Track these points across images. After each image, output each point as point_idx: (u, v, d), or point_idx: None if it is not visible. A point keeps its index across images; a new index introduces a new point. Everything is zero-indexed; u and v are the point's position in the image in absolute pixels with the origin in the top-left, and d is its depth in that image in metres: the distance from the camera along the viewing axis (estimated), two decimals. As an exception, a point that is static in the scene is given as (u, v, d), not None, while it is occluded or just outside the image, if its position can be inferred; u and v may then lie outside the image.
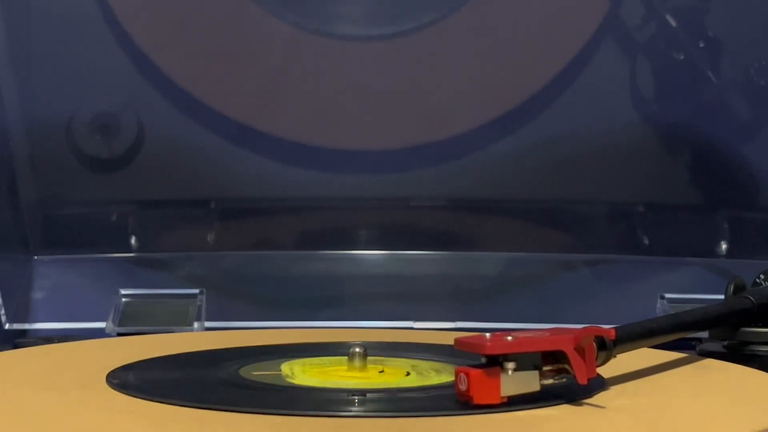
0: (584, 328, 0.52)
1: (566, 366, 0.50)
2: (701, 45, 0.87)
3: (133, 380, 0.55)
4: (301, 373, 0.57)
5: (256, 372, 0.57)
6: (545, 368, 0.50)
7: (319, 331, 0.74)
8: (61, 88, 0.87)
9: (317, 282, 0.89)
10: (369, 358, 0.57)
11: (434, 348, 0.64)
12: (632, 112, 0.89)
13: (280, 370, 0.57)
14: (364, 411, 0.50)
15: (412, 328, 0.82)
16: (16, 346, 0.76)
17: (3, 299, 0.81)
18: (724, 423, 0.49)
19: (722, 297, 0.65)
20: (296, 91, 0.88)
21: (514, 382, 0.49)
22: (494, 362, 0.49)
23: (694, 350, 0.66)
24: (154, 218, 0.89)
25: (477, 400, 0.48)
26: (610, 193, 0.90)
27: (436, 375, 0.57)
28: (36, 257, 0.87)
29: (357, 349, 0.57)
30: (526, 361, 0.49)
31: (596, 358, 0.52)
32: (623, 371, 0.56)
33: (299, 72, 0.88)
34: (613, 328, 0.54)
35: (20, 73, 0.86)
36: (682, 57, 0.88)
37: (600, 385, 0.53)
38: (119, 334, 0.79)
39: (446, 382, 0.54)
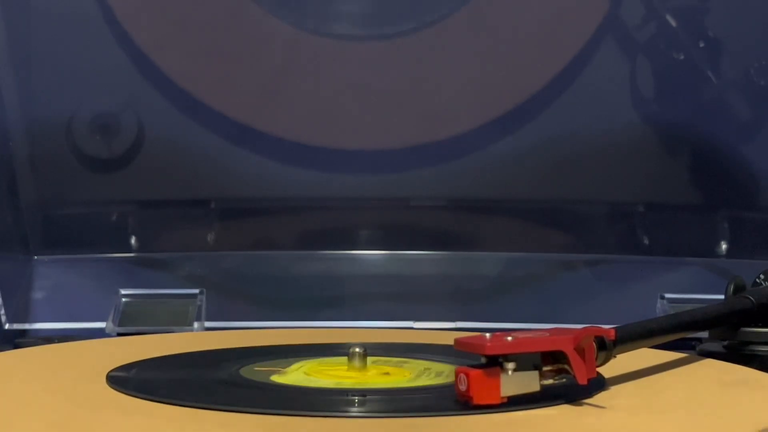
0: (584, 328, 0.52)
1: (566, 366, 0.50)
2: (701, 45, 0.87)
3: (133, 380, 0.55)
4: (301, 373, 0.57)
5: (256, 372, 0.57)
6: (545, 368, 0.50)
7: (319, 331, 0.74)
8: (61, 88, 0.87)
9: (317, 282, 0.89)
10: (369, 358, 0.57)
11: (434, 348, 0.64)
12: (632, 112, 0.89)
13: (280, 371, 0.57)
14: (364, 411, 0.50)
15: (412, 328, 0.82)
16: (16, 346, 0.76)
17: (3, 299, 0.81)
18: (724, 423, 0.49)
19: (722, 297, 0.65)
20: (296, 91, 0.88)
21: (514, 382, 0.49)
22: (494, 362, 0.49)
23: (694, 350, 0.66)
24: (154, 218, 0.89)
25: (477, 401, 0.48)
26: (610, 193, 0.90)
27: (436, 375, 0.57)
28: (36, 257, 0.87)
29: (357, 349, 0.57)
30: (526, 362, 0.49)
31: (596, 359, 0.52)
32: (623, 371, 0.56)
33: (299, 72, 0.88)
34: (613, 328, 0.54)
35: (20, 73, 0.86)
36: (682, 57, 0.88)
37: (600, 384, 0.53)
38: (119, 334, 0.79)
39: (446, 383, 0.54)
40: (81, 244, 0.88)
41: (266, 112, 0.88)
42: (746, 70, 0.87)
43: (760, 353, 0.63)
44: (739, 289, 0.65)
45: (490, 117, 0.88)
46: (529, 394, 0.49)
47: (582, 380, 0.50)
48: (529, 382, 0.50)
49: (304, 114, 0.88)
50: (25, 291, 0.85)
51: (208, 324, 0.81)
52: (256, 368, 0.58)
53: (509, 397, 0.49)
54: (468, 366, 0.49)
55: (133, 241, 0.89)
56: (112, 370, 0.57)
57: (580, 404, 0.50)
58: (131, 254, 0.89)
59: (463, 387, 0.49)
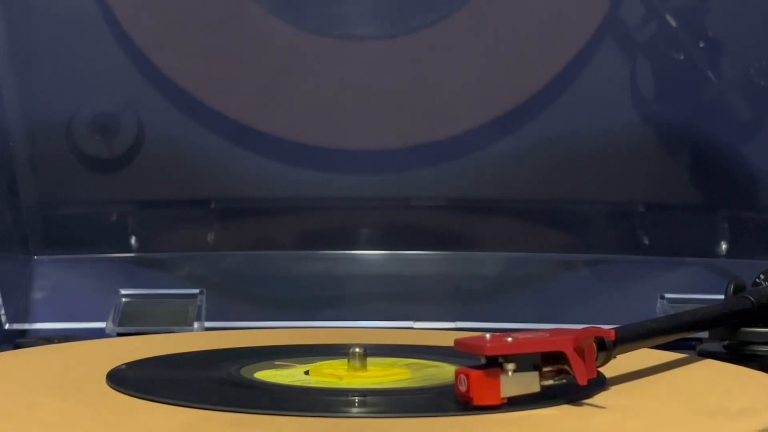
0: (584, 329, 0.52)
1: (566, 367, 0.50)
2: (701, 45, 0.87)
3: (132, 380, 0.55)
4: (301, 373, 0.57)
5: (256, 372, 0.57)
6: (545, 369, 0.50)
7: (319, 331, 0.74)
8: (61, 88, 0.87)
9: (317, 282, 0.89)
10: (369, 358, 0.57)
11: (434, 348, 0.64)
12: (632, 112, 0.89)
13: (280, 371, 0.57)
14: (364, 412, 0.50)
15: (412, 328, 0.82)
16: (16, 346, 0.76)
17: (3, 299, 0.81)
18: (724, 423, 0.49)
19: (722, 297, 0.65)
20: (296, 91, 0.88)
21: (514, 382, 0.49)
22: (494, 363, 0.49)
23: (694, 350, 0.66)
24: (154, 218, 0.89)
25: (477, 401, 0.48)
26: (610, 193, 0.90)
27: (437, 376, 0.57)
28: (36, 257, 0.87)
29: (357, 350, 0.57)
30: (526, 362, 0.49)
31: (596, 359, 0.52)
32: (623, 371, 0.56)
33: (299, 72, 0.88)
34: (613, 328, 0.54)
35: (20, 73, 0.86)
36: (682, 57, 0.88)
37: (600, 384, 0.53)
38: (119, 334, 0.79)
39: (446, 383, 0.54)
40: (81, 244, 0.88)
41: (266, 112, 0.88)
42: (746, 70, 0.87)
43: (760, 353, 0.63)
44: (739, 289, 0.65)
45: (490, 117, 0.88)
46: (530, 394, 0.49)
47: (582, 381, 0.50)
48: (530, 382, 0.50)
49: (304, 114, 0.88)
50: (25, 291, 0.85)
51: (208, 324, 0.81)
52: (256, 368, 0.58)
53: (509, 398, 0.49)
54: (468, 367, 0.49)
55: (133, 241, 0.89)
56: (112, 370, 0.57)
57: (580, 404, 0.50)
58: (131, 254, 0.89)
59: (463, 388, 0.49)
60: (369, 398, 0.52)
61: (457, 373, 0.49)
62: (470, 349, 0.49)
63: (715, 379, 0.58)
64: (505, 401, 0.49)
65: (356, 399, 0.51)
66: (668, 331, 0.58)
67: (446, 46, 0.88)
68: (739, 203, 0.90)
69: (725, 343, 0.65)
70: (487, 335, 0.50)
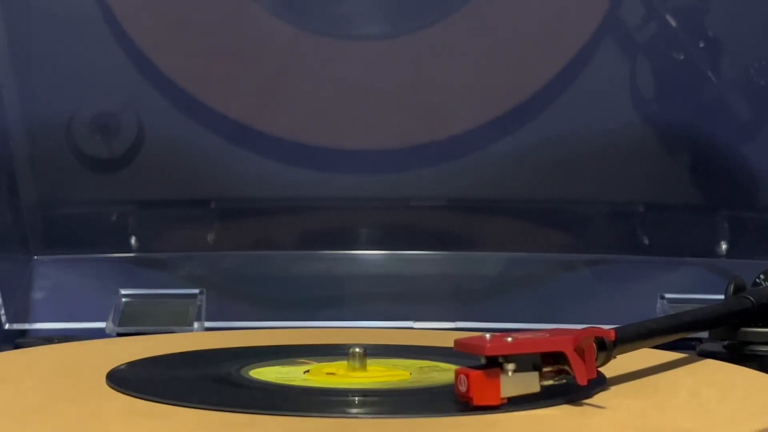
0: (584, 329, 0.52)
1: (566, 367, 0.50)
2: (701, 45, 0.87)
3: (132, 380, 0.55)
4: (301, 373, 0.57)
5: (256, 372, 0.57)
6: (545, 369, 0.50)
7: (319, 331, 0.74)
8: (61, 88, 0.87)
9: (317, 282, 0.89)
10: (369, 358, 0.57)
11: (434, 349, 0.64)
12: (632, 112, 0.89)
13: (280, 371, 0.57)
14: (364, 412, 0.50)
15: (412, 328, 0.82)
16: (16, 346, 0.76)
17: (3, 299, 0.81)
18: (724, 423, 0.49)
19: (722, 297, 0.65)
20: (296, 91, 0.88)
21: (514, 383, 0.49)
22: (494, 363, 0.49)
23: (694, 350, 0.66)
24: (154, 218, 0.89)
25: (477, 401, 0.48)
26: (610, 193, 0.90)
27: (437, 375, 0.57)
28: (36, 257, 0.87)
29: (357, 350, 0.57)
30: (525, 362, 0.49)
31: (596, 359, 0.52)
32: (623, 371, 0.56)
33: (299, 72, 0.88)
34: (613, 328, 0.54)
35: (20, 73, 0.86)
36: (682, 57, 0.88)
37: (600, 384, 0.53)
38: (119, 334, 0.79)
39: (446, 383, 0.54)
40: (81, 244, 0.88)
41: (266, 112, 0.88)
42: (746, 70, 0.87)
43: (760, 353, 0.63)
44: (739, 289, 0.65)
45: (490, 117, 0.88)
46: (530, 394, 0.49)
47: (582, 381, 0.50)
48: (530, 382, 0.50)
49: (304, 114, 0.88)
50: (25, 291, 0.85)
51: (208, 324, 0.81)
52: (256, 368, 0.58)
53: (509, 398, 0.49)
54: (468, 367, 0.49)
55: (133, 241, 0.89)
56: (112, 370, 0.57)
57: (580, 404, 0.50)
58: (131, 254, 0.89)
59: (463, 388, 0.49)
60: (369, 398, 0.52)
61: (457, 373, 0.49)
62: (470, 349, 0.49)
63: (715, 379, 0.58)
64: (505, 401, 0.49)
65: (356, 399, 0.51)
66: (668, 331, 0.58)
67: (446, 46, 0.88)
68: (739, 203, 0.90)
69: (725, 343, 0.65)
70: (487, 335, 0.50)
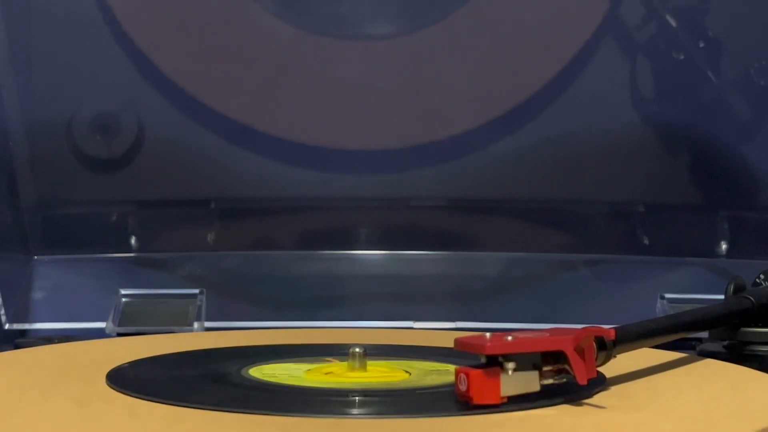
0: (584, 328, 0.52)
1: (566, 366, 0.50)
2: (701, 45, 0.87)
3: (132, 380, 0.55)
4: (301, 373, 0.57)
5: (256, 372, 0.57)
6: (545, 368, 0.50)
7: (319, 331, 0.74)
8: (61, 88, 0.87)
9: (317, 282, 0.89)
10: (369, 358, 0.57)
11: (434, 349, 0.64)
12: (632, 112, 0.89)
13: (280, 371, 0.57)
14: (364, 411, 0.50)
15: (412, 328, 0.82)
16: (16, 346, 0.76)
17: (3, 299, 0.81)
18: (724, 423, 0.49)
19: (722, 297, 0.65)
20: (296, 91, 0.88)
21: (514, 382, 0.49)
22: (494, 362, 0.49)
23: (694, 350, 0.66)
24: (154, 218, 0.89)
25: (477, 401, 0.48)
26: (610, 193, 0.90)
27: (437, 375, 0.57)
28: (36, 257, 0.87)
29: (357, 350, 0.57)
30: (525, 361, 0.49)
31: (596, 359, 0.52)
32: (623, 371, 0.56)
33: (299, 72, 0.88)
34: (613, 328, 0.54)
35: (20, 73, 0.86)
36: (682, 57, 0.88)
37: (600, 384, 0.53)
38: (119, 334, 0.79)
39: (446, 383, 0.54)
40: (81, 244, 0.88)
41: (266, 112, 0.88)
42: (746, 70, 0.87)
43: (760, 353, 0.63)
44: (739, 289, 0.65)
45: (490, 117, 0.88)
46: (530, 394, 0.49)
47: (582, 380, 0.50)
48: (529, 381, 0.50)
49: (304, 114, 0.88)
50: (25, 291, 0.85)
51: (208, 324, 0.81)
52: (256, 368, 0.58)
53: (509, 397, 0.49)
54: (468, 366, 0.49)
55: (133, 241, 0.89)
56: (112, 370, 0.57)
57: (580, 404, 0.50)
58: (131, 254, 0.89)
59: (463, 387, 0.49)
60: (369, 398, 0.52)
61: (457, 373, 0.49)
62: (470, 348, 0.49)
63: (715, 379, 0.58)
64: (505, 400, 0.49)
65: (356, 399, 0.51)
66: (668, 331, 0.58)
67: (446, 45, 0.88)
68: (739, 203, 0.90)
69: (725, 343, 0.65)
70: (487, 334, 0.50)
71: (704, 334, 0.65)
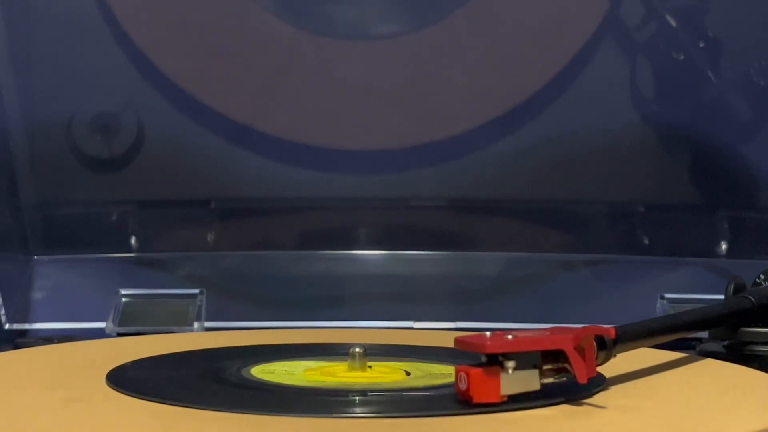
0: (584, 327, 0.52)
1: (566, 365, 0.50)
2: (701, 45, 0.87)
3: (132, 380, 0.55)
4: (301, 373, 0.57)
5: (256, 372, 0.57)
6: (545, 367, 0.50)
7: (319, 331, 0.74)
8: (61, 88, 0.87)
9: (317, 282, 0.89)
10: (369, 358, 0.57)
11: (434, 349, 0.64)
12: (632, 112, 0.89)
13: (280, 371, 0.57)
14: (364, 411, 0.50)
15: (412, 328, 0.82)
16: (16, 346, 0.76)
17: (3, 299, 0.81)
18: (724, 423, 0.49)
19: (722, 297, 0.65)
20: (296, 91, 0.88)
21: (514, 381, 0.49)
22: (494, 361, 0.49)
23: (694, 350, 0.66)
24: (154, 218, 0.89)
25: (477, 399, 0.48)
26: (610, 193, 0.90)
27: (437, 375, 0.56)
28: (36, 257, 0.87)
29: (357, 349, 0.57)
30: (526, 360, 0.49)
31: (596, 358, 0.52)
32: (623, 371, 0.56)
33: (299, 72, 0.88)
34: (613, 327, 0.54)
35: (20, 73, 0.86)
36: (682, 57, 0.88)
37: (600, 384, 0.53)
38: (119, 334, 0.79)
39: (446, 382, 0.54)
40: (81, 244, 0.88)
41: (266, 112, 0.88)
42: (746, 70, 0.87)
43: (760, 353, 0.63)
44: (739, 289, 0.65)
45: (490, 117, 0.88)
46: (530, 392, 0.49)
47: (582, 379, 0.50)
48: (530, 380, 0.50)
49: (304, 114, 0.88)
50: (25, 291, 0.85)
51: (208, 324, 0.81)
52: (256, 368, 0.58)
53: (509, 396, 0.49)
54: (468, 365, 0.49)
55: (133, 241, 0.89)
56: (112, 370, 0.57)
57: (580, 404, 0.50)
58: (131, 254, 0.89)
59: (463, 386, 0.49)
60: (369, 398, 0.52)
61: (457, 371, 0.49)
62: (470, 347, 0.49)
63: (715, 379, 0.58)
64: (505, 399, 0.49)
65: (356, 399, 0.51)
66: (668, 331, 0.58)
67: (446, 45, 0.88)
68: (739, 203, 0.90)
69: (725, 343, 0.65)
70: (487, 333, 0.50)
71: (704, 334, 0.65)
